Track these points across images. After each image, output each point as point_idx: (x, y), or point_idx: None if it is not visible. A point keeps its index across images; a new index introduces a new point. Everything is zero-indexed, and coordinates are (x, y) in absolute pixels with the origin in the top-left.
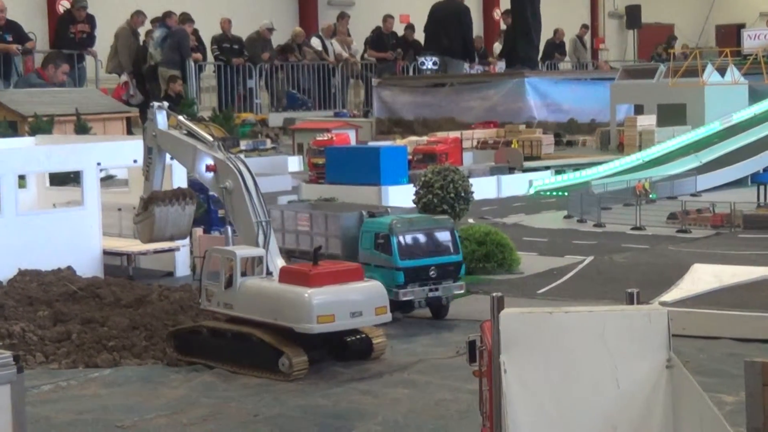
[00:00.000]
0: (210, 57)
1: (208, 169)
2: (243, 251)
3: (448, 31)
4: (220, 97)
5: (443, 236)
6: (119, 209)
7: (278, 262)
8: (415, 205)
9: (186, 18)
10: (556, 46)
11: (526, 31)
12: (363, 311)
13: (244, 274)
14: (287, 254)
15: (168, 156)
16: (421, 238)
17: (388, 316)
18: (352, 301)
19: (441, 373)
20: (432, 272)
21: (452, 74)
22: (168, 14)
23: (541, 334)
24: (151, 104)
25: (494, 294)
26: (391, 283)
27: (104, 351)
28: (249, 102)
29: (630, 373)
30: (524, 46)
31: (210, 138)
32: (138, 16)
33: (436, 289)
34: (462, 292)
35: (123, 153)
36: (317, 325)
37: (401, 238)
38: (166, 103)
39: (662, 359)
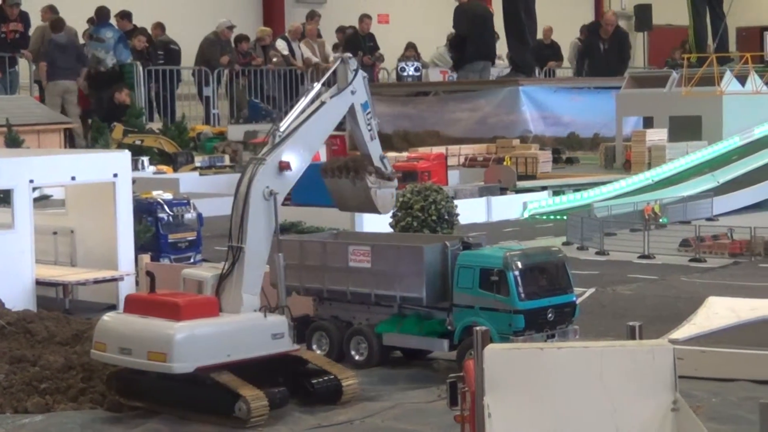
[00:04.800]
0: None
1: (281, 166)
2: (188, 270)
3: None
4: (166, 107)
5: (558, 271)
6: (55, 233)
7: (244, 297)
8: (392, 229)
9: (124, 15)
10: (545, 47)
11: (520, 32)
12: (133, 350)
13: None
14: (328, 295)
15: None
16: (538, 274)
17: (164, 366)
18: (123, 334)
19: (420, 419)
20: (549, 315)
21: (436, 82)
22: (100, 11)
23: (531, 373)
24: (340, 56)
25: (478, 328)
26: (506, 329)
27: (35, 394)
28: (206, 113)
29: (631, 417)
30: (517, 49)
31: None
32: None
33: (553, 335)
34: (578, 338)
35: (59, 169)
36: (93, 351)
37: (519, 275)
38: (348, 55)
39: (667, 401)
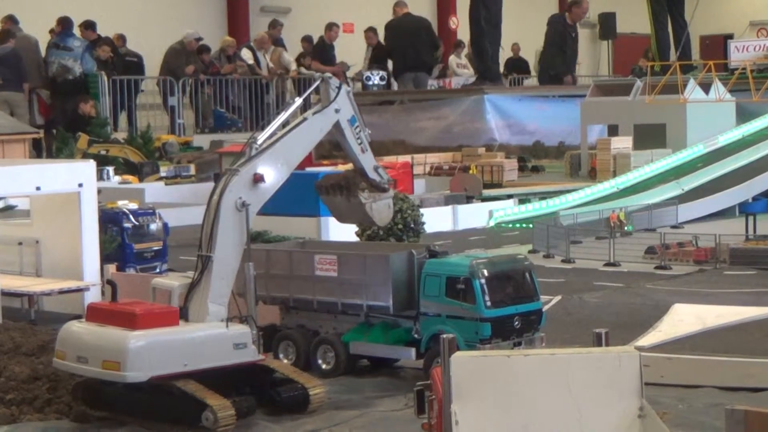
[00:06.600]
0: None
1: (255, 178)
2: (158, 280)
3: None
4: (130, 118)
5: (523, 279)
6: (20, 243)
7: (210, 306)
8: (358, 238)
9: (88, 25)
10: (513, 63)
11: (483, 40)
12: (89, 358)
13: None
14: (294, 304)
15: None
16: (504, 282)
17: (118, 375)
18: (80, 343)
19: (388, 427)
20: (516, 323)
21: (402, 90)
22: (64, 20)
23: (498, 381)
24: (321, 76)
25: (444, 336)
26: (473, 338)
27: (1, 405)
28: (171, 122)
29: (598, 424)
30: (481, 58)
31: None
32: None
33: (519, 343)
34: (544, 345)
35: (24, 180)
36: (54, 359)
37: (485, 283)
38: (329, 75)
39: (634, 408)
